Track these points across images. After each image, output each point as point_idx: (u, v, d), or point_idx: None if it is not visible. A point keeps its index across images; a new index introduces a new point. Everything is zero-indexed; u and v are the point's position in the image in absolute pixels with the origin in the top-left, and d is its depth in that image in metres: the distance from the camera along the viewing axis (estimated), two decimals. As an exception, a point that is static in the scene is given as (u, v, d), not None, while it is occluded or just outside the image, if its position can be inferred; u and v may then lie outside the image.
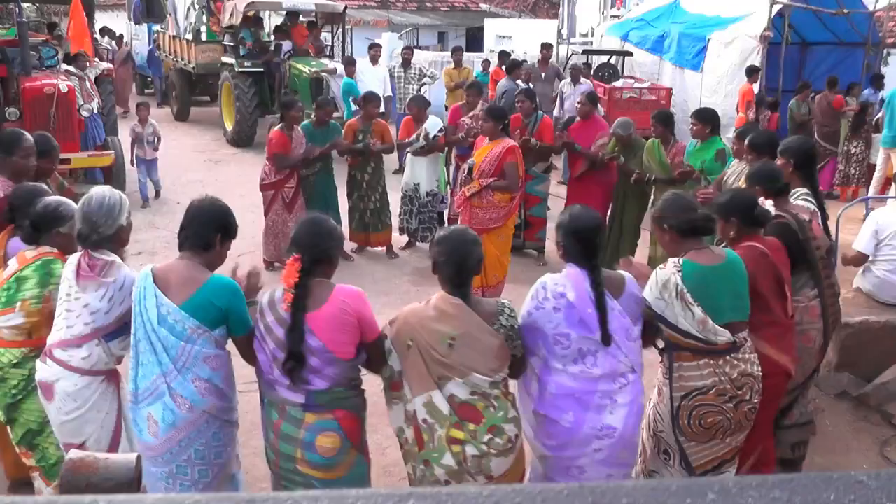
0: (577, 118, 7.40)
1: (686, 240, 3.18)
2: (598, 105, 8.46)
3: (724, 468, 3.21)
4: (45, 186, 3.59)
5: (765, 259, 3.33)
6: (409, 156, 7.53)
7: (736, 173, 5.15)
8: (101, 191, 3.09)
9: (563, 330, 2.87)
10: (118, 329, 3.02)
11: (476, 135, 6.97)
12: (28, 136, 3.95)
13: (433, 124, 7.38)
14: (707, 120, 5.92)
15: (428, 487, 2.59)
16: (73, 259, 3.05)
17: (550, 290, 2.92)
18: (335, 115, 8.30)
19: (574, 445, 2.92)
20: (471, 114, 7.48)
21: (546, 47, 11.97)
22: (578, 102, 7.44)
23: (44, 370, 3.03)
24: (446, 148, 7.75)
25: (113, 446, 3.11)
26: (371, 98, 7.43)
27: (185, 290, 2.80)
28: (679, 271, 3.04)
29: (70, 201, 3.33)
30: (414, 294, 6.36)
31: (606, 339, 2.85)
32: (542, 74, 11.60)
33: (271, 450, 2.93)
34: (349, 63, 11.07)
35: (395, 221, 7.68)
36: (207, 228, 2.90)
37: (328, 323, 2.76)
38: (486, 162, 5.92)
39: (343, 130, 7.25)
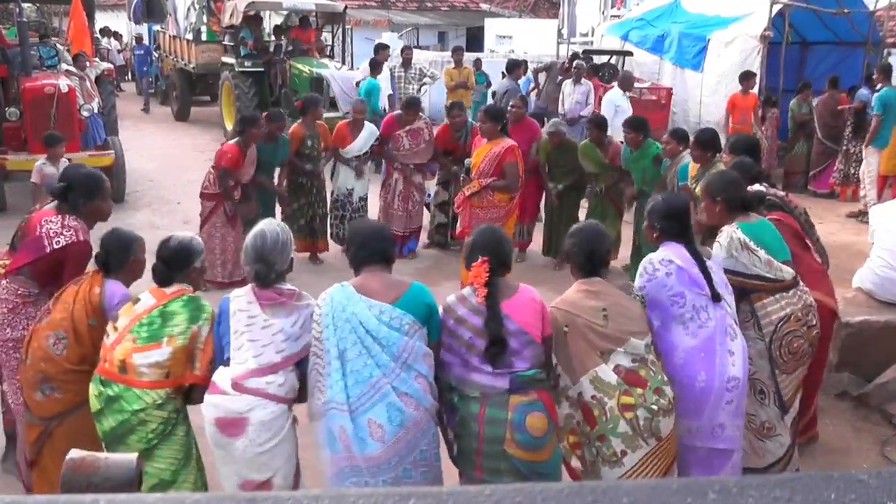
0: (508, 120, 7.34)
1: (733, 213, 3.61)
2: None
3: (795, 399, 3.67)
4: (131, 231, 3.40)
5: (780, 222, 3.86)
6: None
7: (673, 172, 5.84)
8: (271, 227, 3.02)
9: (676, 290, 3.18)
10: (305, 357, 2.93)
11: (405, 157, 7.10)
12: (106, 179, 3.71)
13: (370, 133, 7.20)
14: (639, 128, 6.34)
15: (427, 487, 2.58)
16: (243, 294, 2.96)
17: (657, 262, 3.23)
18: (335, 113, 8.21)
19: (712, 403, 3.15)
20: (407, 128, 7.21)
21: (572, 59, 12.05)
22: (512, 105, 7.41)
23: (232, 402, 2.83)
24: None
25: (296, 482, 2.99)
26: (313, 101, 7.13)
27: (392, 293, 2.84)
28: (737, 229, 3.50)
29: (191, 233, 3.27)
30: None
31: (717, 297, 3.17)
32: (558, 77, 11.61)
33: (473, 439, 2.88)
34: (375, 66, 11.05)
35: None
36: (388, 243, 3.04)
37: (522, 307, 2.89)
38: (485, 162, 5.92)
39: (289, 141, 6.80)
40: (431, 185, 7.76)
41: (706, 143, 5.20)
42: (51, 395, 3.19)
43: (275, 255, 2.93)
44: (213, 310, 3.03)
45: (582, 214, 7.29)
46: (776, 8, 10.97)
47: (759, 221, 3.67)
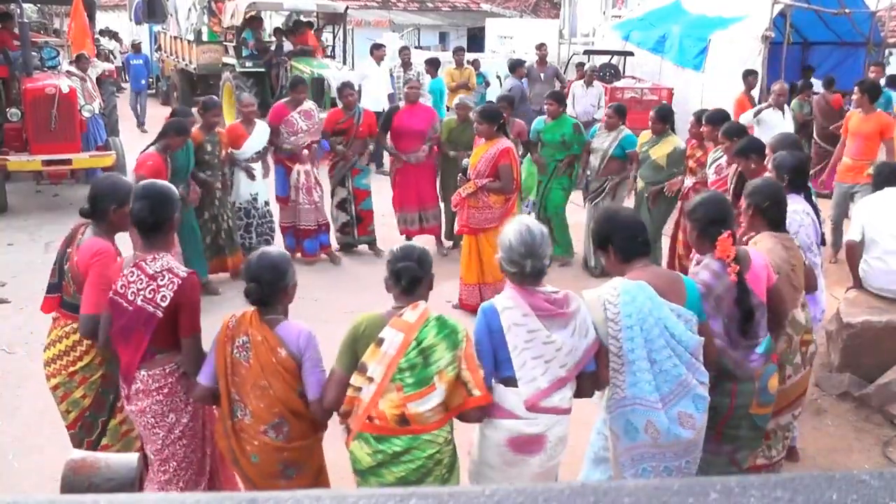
0: (404, 103, 7.58)
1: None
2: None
3: None
4: (283, 252, 3.00)
5: None
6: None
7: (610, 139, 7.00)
8: (529, 219, 2.90)
9: (813, 238, 3.82)
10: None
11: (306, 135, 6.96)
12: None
13: (264, 129, 6.84)
14: (560, 101, 7.44)
15: (429, 487, 2.58)
16: (512, 304, 2.77)
17: (802, 212, 3.82)
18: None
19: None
20: (298, 109, 7.01)
21: (540, 47, 11.99)
22: (407, 87, 7.67)
23: (529, 426, 2.78)
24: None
25: None
26: (211, 103, 6.41)
27: (680, 293, 2.91)
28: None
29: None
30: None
31: (822, 240, 3.89)
32: (541, 75, 11.60)
33: (724, 409, 3.12)
34: (434, 64, 11.11)
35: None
36: (645, 230, 3.13)
37: (758, 278, 3.15)
38: (482, 162, 5.93)
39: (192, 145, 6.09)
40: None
41: (665, 116, 6.62)
42: (296, 477, 2.98)
43: (544, 248, 2.81)
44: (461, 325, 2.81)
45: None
46: (777, 8, 10.98)
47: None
